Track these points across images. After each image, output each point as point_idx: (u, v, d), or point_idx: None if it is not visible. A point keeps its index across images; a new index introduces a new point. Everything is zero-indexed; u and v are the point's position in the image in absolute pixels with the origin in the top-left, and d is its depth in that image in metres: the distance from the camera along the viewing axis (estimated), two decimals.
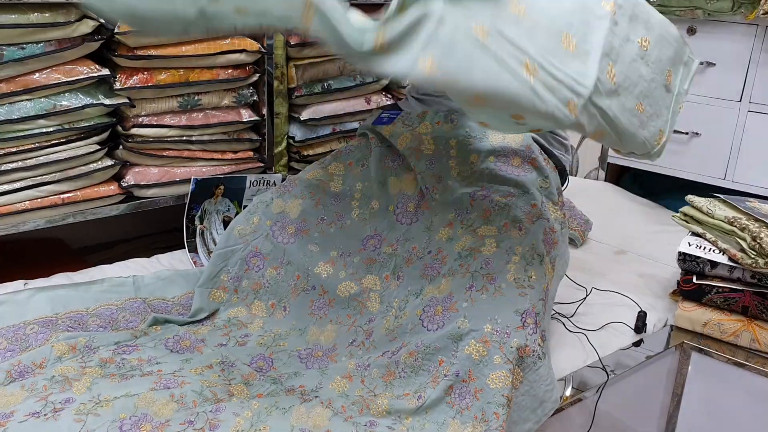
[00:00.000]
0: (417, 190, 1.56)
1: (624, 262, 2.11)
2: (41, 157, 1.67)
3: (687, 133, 2.35)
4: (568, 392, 1.50)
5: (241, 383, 1.32)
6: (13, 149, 1.64)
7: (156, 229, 2.30)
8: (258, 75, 1.95)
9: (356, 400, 1.26)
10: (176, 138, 1.86)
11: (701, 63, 2.30)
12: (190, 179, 1.88)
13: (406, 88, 1.74)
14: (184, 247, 1.90)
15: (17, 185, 1.66)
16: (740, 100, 2.28)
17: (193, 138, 1.89)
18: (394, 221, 1.54)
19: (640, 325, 1.71)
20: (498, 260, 1.36)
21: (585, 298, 1.79)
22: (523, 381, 1.25)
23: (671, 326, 1.80)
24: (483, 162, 1.54)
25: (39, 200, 1.70)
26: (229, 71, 1.88)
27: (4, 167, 1.63)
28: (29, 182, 1.68)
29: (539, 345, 1.29)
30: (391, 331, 1.37)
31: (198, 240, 1.93)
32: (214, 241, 1.92)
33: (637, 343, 1.70)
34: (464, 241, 1.42)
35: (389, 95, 2.25)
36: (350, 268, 1.52)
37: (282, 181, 1.96)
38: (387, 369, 1.30)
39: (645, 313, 1.74)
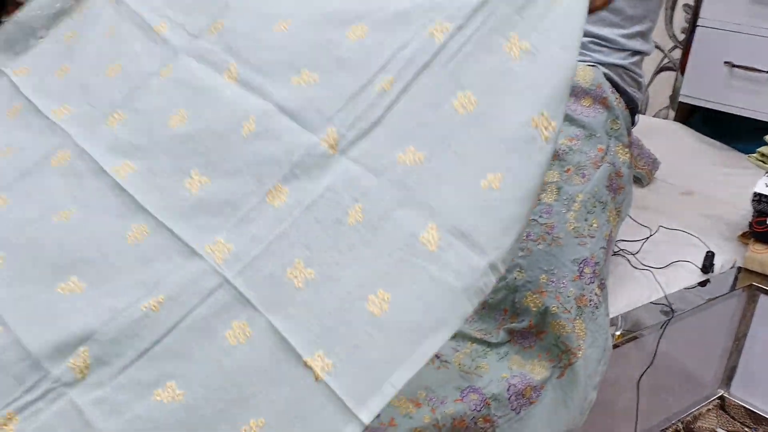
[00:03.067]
0: None
1: (691, 202, 2.06)
2: None
3: (767, 72, 2.25)
4: (619, 331, 1.48)
5: None
6: None
7: None
8: None
9: None
10: None
11: None
12: None
13: None
14: None
15: None
16: None
17: None
18: None
19: (708, 265, 1.68)
20: (558, 208, 1.32)
21: (650, 235, 1.76)
22: (587, 332, 1.22)
23: (739, 268, 1.76)
24: None
25: None
26: None
27: None
28: None
29: (596, 294, 1.27)
30: None
31: None
32: None
33: (703, 283, 1.67)
34: None
35: None
36: None
37: None
38: None
39: (713, 253, 1.70)
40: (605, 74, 1.49)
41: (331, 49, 0.95)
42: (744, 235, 1.84)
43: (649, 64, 2.61)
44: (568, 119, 1.44)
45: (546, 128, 0.82)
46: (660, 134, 2.45)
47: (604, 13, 1.45)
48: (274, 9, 1.03)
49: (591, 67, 1.46)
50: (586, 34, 1.47)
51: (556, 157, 1.38)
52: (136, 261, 0.89)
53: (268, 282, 0.83)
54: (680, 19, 2.53)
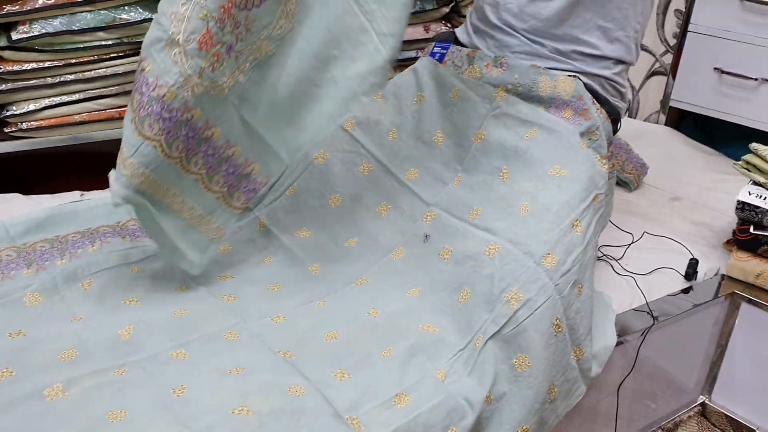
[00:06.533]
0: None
1: (678, 208, 2.06)
2: (100, 70, 1.69)
3: (756, 79, 2.25)
4: None
5: None
6: (73, 60, 1.65)
7: None
8: None
9: None
10: None
11: None
12: None
13: (465, 16, 1.67)
14: None
15: (75, 97, 1.69)
16: None
17: None
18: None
19: (691, 273, 1.68)
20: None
21: (633, 242, 1.77)
22: None
23: (722, 276, 1.76)
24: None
25: (96, 113, 1.72)
26: None
27: (63, 78, 1.65)
28: (88, 94, 1.70)
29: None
30: None
31: None
32: None
33: (686, 290, 1.67)
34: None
35: (448, 24, 2.19)
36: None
37: None
38: None
39: (697, 261, 1.70)
40: (586, 84, 1.47)
41: (452, 308, 1.30)
42: (728, 243, 1.84)
43: (641, 68, 2.61)
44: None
45: None
46: (650, 139, 2.45)
47: (589, 15, 1.44)
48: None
49: (571, 78, 1.45)
50: (571, 41, 1.46)
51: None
52: None
53: None
54: (672, 24, 2.52)
